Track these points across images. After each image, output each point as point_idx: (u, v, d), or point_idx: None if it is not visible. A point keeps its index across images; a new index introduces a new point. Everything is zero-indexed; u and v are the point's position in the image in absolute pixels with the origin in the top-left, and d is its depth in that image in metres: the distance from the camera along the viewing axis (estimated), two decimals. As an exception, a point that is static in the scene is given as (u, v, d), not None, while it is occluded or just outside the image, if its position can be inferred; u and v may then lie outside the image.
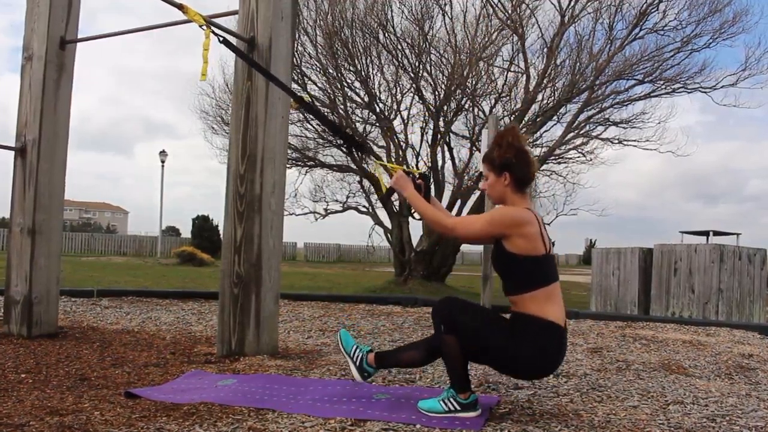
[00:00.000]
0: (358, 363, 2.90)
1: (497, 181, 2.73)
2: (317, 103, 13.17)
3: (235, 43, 4.02)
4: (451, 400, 2.68)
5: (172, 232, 45.66)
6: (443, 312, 2.70)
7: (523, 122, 12.93)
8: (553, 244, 2.79)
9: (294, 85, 11.96)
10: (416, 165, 13.80)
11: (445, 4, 13.04)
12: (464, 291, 12.68)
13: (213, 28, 3.67)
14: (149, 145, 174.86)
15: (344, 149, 13.89)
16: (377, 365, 2.90)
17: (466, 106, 13.29)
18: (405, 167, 3.04)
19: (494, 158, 2.72)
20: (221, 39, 3.63)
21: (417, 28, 12.96)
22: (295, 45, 11.12)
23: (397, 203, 14.01)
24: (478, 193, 13.19)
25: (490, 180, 2.75)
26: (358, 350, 2.93)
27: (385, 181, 3.06)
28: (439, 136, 13.48)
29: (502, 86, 13.24)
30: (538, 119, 12.97)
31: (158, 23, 4.44)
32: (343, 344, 2.97)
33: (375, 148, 14.15)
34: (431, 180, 2.99)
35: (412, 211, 3.23)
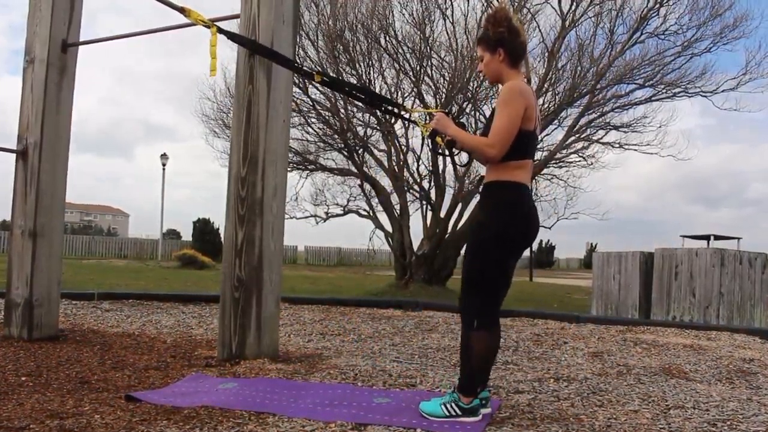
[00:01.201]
0: (459, 412, 2.69)
1: (492, 59, 2.82)
2: (318, 107, 13.19)
3: (236, 48, 4.04)
4: (453, 404, 2.69)
5: (173, 235, 45.66)
6: (466, 311, 2.74)
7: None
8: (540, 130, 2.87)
9: (295, 89, 11.99)
10: (417, 169, 13.82)
11: (447, 8, 13.07)
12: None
13: (218, 25, 3.68)
14: (149, 148, 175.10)
15: (345, 152, 13.90)
16: (475, 392, 2.73)
17: (468, 109, 13.31)
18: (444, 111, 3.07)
19: (488, 36, 2.81)
20: (229, 35, 3.65)
21: (418, 32, 12.98)
22: (297, 48, 11.14)
23: (397, 207, 14.02)
24: (478, 196, 13.19)
25: (486, 59, 2.83)
26: (447, 407, 2.71)
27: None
28: (440, 139, 13.47)
29: (504, 90, 13.24)
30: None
31: (160, 26, 4.46)
32: (435, 413, 2.71)
33: (375, 152, 14.17)
34: (466, 127, 3.05)
35: (455, 151, 3.25)
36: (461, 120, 3.21)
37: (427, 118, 3.11)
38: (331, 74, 13.14)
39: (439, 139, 3.07)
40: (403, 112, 3.76)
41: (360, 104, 13.66)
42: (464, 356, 2.73)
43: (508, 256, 2.76)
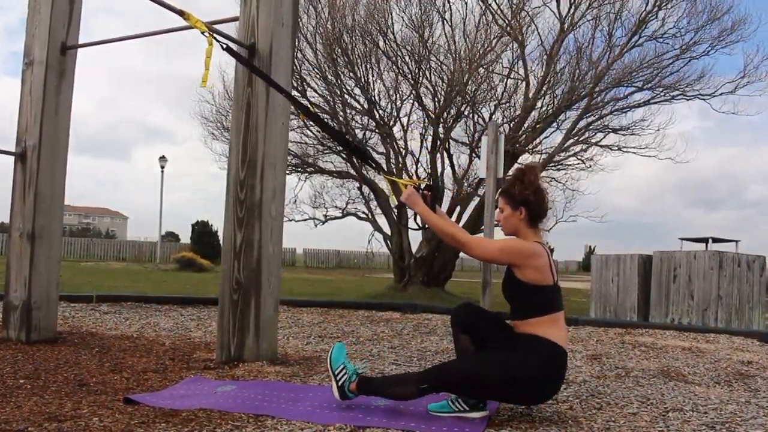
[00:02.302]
0: (340, 384, 2.83)
1: (513, 215, 2.83)
2: (317, 110, 13.20)
3: (235, 50, 4.04)
4: (459, 400, 2.76)
5: (172, 237, 45.64)
6: (462, 317, 2.84)
7: (523, 129, 12.96)
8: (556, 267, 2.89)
9: (294, 92, 12.00)
10: (415, 171, 13.83)
11: (445, 11, 13.10)
12: (464, 297, 12.67)
13: (215, 35, 3.68)
14: (147, 150, 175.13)
15: (344, 155, 13.91)
16: (359, 392, 2.82)
17: (466, 112, 13.33)
18: (412, 179, 3.09)
19: (514, 193, 2.82)
20: (224, 47, 3.64)
21: (417, 35, 13.00)
22: (296, 51, 11.15)
23: (395, 209, 14.02)
24: (477, 199, 13.21)
25: (506, 213, 2.85)
26: (344, 372, 2.84)
27: (394, 192, 3.16)
28: (438, 142, 13.51)
29: (502, 93, 13.29)
30: (537, 126, 13.00)
31: (156, 28, 4.46)
32: (331, 360, 2.88)
33: (375, 154, 14.17)
34: (439, 189, 3.09)
35: (425, 224, 3.31)
36: (436, 184, 3.25)
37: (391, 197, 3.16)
38: (330, 76, 13.15)
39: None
40: (387, 178, 3.80)
41: (358, 107, 13.69)
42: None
43: (519, 400, 2.80)
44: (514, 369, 2.65)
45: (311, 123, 13.45)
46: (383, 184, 14.30)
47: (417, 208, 2.96)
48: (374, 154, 14.18)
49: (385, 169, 4.12)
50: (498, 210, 2.93)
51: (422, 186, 3.10)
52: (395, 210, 13.92)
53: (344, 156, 13.95)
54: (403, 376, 3.02)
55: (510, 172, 3.04)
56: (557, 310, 2.76)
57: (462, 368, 2.74)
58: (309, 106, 4.13)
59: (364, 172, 14.13)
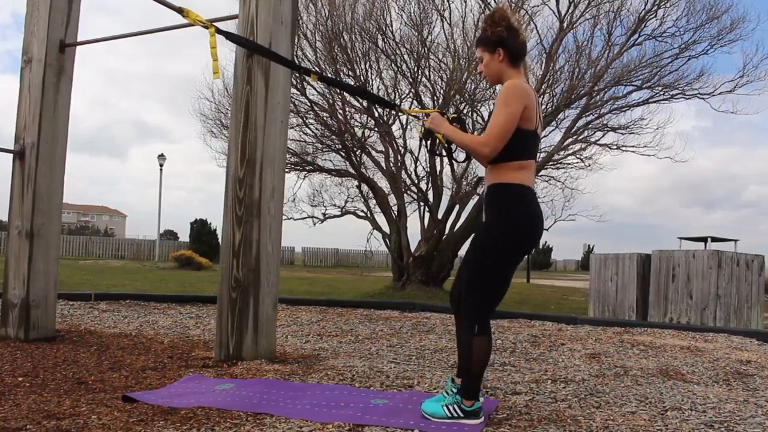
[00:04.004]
0: (461, 413, 2.67)
1: (492, 59, 2.80)
2: (316, 108, 13.19)
3: (234, 49, 4.04)
4: (455, 406, 2.68)
5: (170, 236, 45.62)
6: (471, 313, 2.71)
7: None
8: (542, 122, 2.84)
9: (293, 90, 12.00)
10: (414, 170, 13.83)
11: (444, 10, 13.09)
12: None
13: (216, 26, 3.68)
14: (142, 148, 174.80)
15: (343, 153, 13.90)
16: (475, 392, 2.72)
17: (465, 111, 13.32)
18: (439, 110, 3.05)
19: (487, 37, 2.79)
20: (227, 35, 3.64)
21: (416, 34, 12.99)
22: (295, 49, 11.14)
23: (395, 208, 14.02)
24: (476, 198, 13.21)
25: (486, 59, 2.82)
26: (450, 398, 2.71)
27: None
28: (438, 141, 13.48)
29: (501, 91, 13.26)
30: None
31: (149, 26, 4.46)
32: (437, 414, 2.70)
33: (373, 153, 14.17)
34: (465, 123, 3.04)
35: (453, 150, 3.23)
36: (461, 116, 3.18)
37: (423, 119, 3.11)
38: (329, 74, 13.15)
39: (440, 137, 3.05)
40: (399, 113, 3.76)
41: (358, 105, 13.68)
42: (467, 361, 2.70)
43: (513, 260, 2.75)
44: (498, 227, 2.67)
45: (311, 119, 13.44)
46: (383, 182, 14.30)
47: (442, 129, 2.91)
48: (373, 153, 14.18)
49: (403, 111, 4.09)
50: (479, 61, 2.88)
51: (449, 118, 3.02)
52: (393, 209, 13.92)
53: (343, 154, 13.94)
54: (460, 331, 2.85)
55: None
56: (532, 157, 2.74)
57: (469, 285, 2.71)
58: (311, 72, 4.11)
59: (363, 171, 14.12)
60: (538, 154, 13.50)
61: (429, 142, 3.18)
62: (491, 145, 2.68)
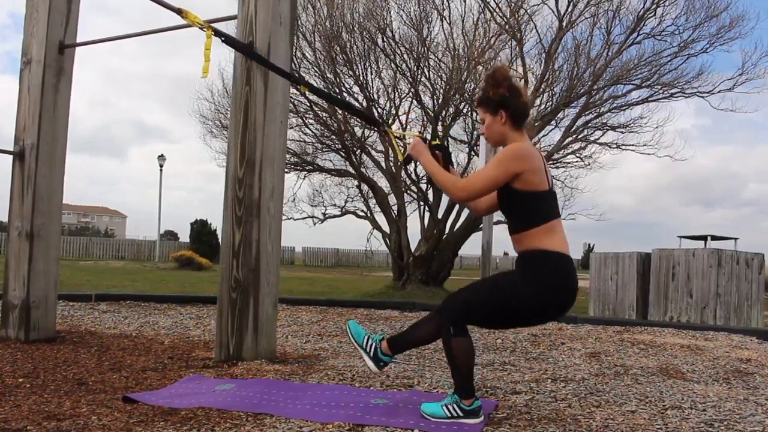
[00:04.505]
0: (372, 353, 2.84)
1: (494, 121, 2.74)
2: (315, 108, 13.19)
3: (233, 42, 4.03)
4: (454, 405, 2.67)
5: (171, 236, 45.62)
6: (448, 312, 2.70)
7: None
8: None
9: (292, 90, 11.99)
10: (414, 170, 13.83)
11: (444, 9, 13.09)
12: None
13: (214, 27, 3.68)
14: (142, 149, 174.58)
15: (342, 153, 13.90)
16: (393, 352, 2.84)
17: (465, 110, 13.33)
18: (422, 135, 3.03)
19: (489, 97, 2.73)
20: (223, 39, 3.64)
21: (415, 33, 12.99)
22: (294, 49, 11.13)
23: (395, 208, 14.02)
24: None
25: (487, 121, 2.76)
26: (370, 340, 2.86)
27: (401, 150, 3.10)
28: (436, 138, 13.48)
29: (501, 91, 13.26)
30: (536, 124, 13.00)
31: (148, 26, 4.47)
32: (354, 335, 2.89)
33: (373, 153, 14.17)
34: (449, 151, 2.99)
35: (430, 179, 3.24)
36: (445, 144, 3.14)
37: (406, 142, 3.10)
38: (329, 75, 13.15)
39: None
40: (392, 133, 3.73)
41: (358, 105, 13.68)
42: (450, 363, 2.70)
43: (524, 321, 2.76)
44: (523, 289, 2.59)
45: (310, 119, 13.44)
46: (383, 181, 14.30)
47: (422, 158, 2.87)
48: (373, 153, 14.18)
49: (389, 127, 4.07)
50: (480, 123, 2.83)
51: (433, 145, 2.98)
52: (393, 208, 13.92)
53: (343, 154, 13.94)
54: (423, 318, 2.90)
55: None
56: (554, 218, 2.67)
57: (473, 299, 2.68)
58: (302, 84, 4.10)
59: (363, 171, 14.12)
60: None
61: (404, 167, 3.17)
62: (468, 193, 2.70)
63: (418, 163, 3.12)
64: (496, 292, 2.68)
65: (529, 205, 2.64)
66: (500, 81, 2.71)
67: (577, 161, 13.78)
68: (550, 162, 13.36)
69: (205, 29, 3.62)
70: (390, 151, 13.83)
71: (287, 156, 12.06)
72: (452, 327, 2.66)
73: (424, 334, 2.83)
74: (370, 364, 2.84)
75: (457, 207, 13.55)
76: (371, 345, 2.85)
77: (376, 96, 13.60)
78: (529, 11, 12.87)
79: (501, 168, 2.62)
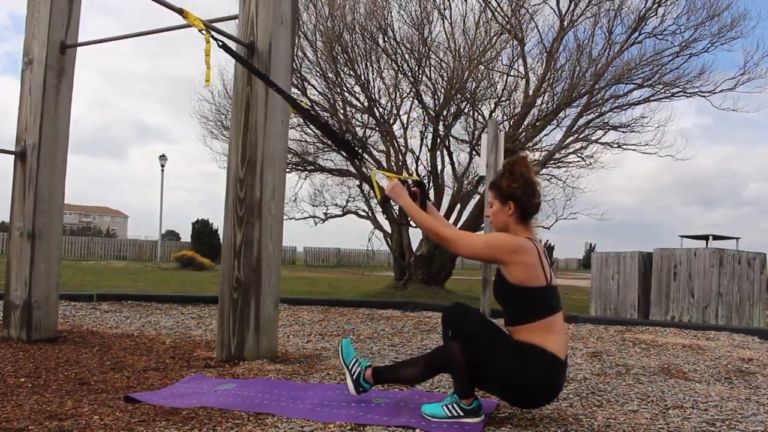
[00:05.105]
0: (355, 377, 2.92)
1: (501, 210, 2.71)
2: (317, 108, 13.19)
3: (234, 48, 4.04)
4: (455, 405, 2.68)
5: (172, 236, 45.65)
6: (452, 316, 2.71)
7: (523, 126, 12.96)
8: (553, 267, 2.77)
9: (294, 90, 11.99)
10: (416, 169, 13.83)
11: (445, 9, 13.09)
12: (464, 295, 12.68)
13: (213, 33, 3.68)
14: (142, 149, 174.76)
15: (343, 154, 13.90)
16: (375, 382, 2.93)
17: (466, 110, 13.32)
18: (401, 175, 3.04)
19: (502, 187, 2.70)
20: (220, 44, 3.64)
21: (417, 33, 12.99)
22: (295, 49, 11.14)
23: (396, 208, 14.02)
24: (477, 197, 13.21)
25: (495, 207, 2.74)
26: (357, 364, 2.94)
27: (384, 184, 3.08)
28: (438, 140, 13.51)
29: (502, 90, 13.29)
30: (537, 123, 13.00)
31: (146, 27, 4.47)
32: (343, 355, 2.97)
33: (375, 152, 14.16)
34: (427, 187, 3.00)
35: (410, 219, 3.21)
36: (422, 181, 3.14)
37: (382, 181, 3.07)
38: (330, 74, 13.14)
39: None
40: (371, 170, 3.71)
41: (359, 105, 13.69)
42: (450, 363, 2.71)
43: (502, 397, 2.75)
44: (508, 376, 2.58)
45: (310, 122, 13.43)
46: (384, 182, 14.28)
47: (401, 201, 2.88)
48: (374, 153, 14.17)
49: (381, 166, 4.07)
50: (488, 204, 2.83)
51: (410, 181, 3.02)
52: (394, 207, 13.91)
53: (343, 155, 13.94)
54: (413, 359, 3.00)
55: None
56: (552, 314, 2.59)
57: (478, 332, 2.65)
58: (307, 105, 4.10)
59: (365, 170, 14.12)
60: (540, 154, 13.44)
61: (383, 205, 3.19)
62: (449, 246, 2.73)
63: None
64: (497, 345, 2.63)
65: (521, 300, 2.60)
66: (517, 176, 2.69)
67: (578, 161, 13.77)
68: (552, 162, 13.36)
69: (203, 33, 3.61)
70: (391, 151, 13.83)
71: (288, 156, 12.07)
72: (452, 329, 2.67)
73: (411, 376, 2.90)
74: (351, 386, 2.91)
75: (458, 207, 13.56)
76: (356, 369, 2.92)
77: (377, 96, 13.61)
78: (530, 11, 12.87)
79: (487, 248, 2.66)
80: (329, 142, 13.60)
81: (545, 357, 2.55)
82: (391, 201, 3.02)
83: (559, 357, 2.58)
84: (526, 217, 2.71)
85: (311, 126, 13.50)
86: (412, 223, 3.18)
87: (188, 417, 2.64)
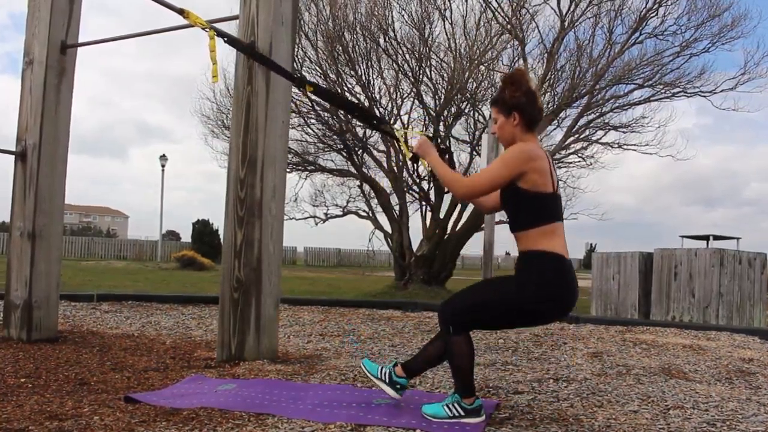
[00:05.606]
0: (388, 380, 2.87)
1: (506, 122, 2.75)
2: (317, 108, 13.20)
3: (235, 48, 4.04)
4: (455, 405, 2.68)
5: (172, 236, 45.66)
6: (447, 313, 2.71)
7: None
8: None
9: (294, 90, 11.99)
10: (416, 170, 13.83)
11: (446, 9, 13.09)
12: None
13: (216, 28, 3.68)
14: (143, 149, 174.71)
15: (344, 153, 13.90)
16: (408, 375, 2.88)
17: (466, 110, 13.33)
18: (428, 135, 3.08)
19: (505, 99, 2.74)
20: (226, 39, 3.64)
21: (417, 33, 12.99)
22: (296, 49, 11.15)
23: (397, 208, 14.02)
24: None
25: (500, 121, 2.77)
26: (384, 369, 2.91)
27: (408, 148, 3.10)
28: (439, 140, 13.51)
29: (502, 91, 13.26)
30: (537, 123, 12.98)
31: (147, 27, 4.48)
32: (369, 372, 2.92)
33: (375, 153, 14.17)
34: (452, 153, 3.03)
35: (434, 176, 3.27)
36: (448, 148, 3.17)
37: (410, 140, 3.08)
38: (331, 74, 13.15)
39: (424, 164, 3.04)
40: (396, 131, 3.72)
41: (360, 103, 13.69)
42: (450, 362, 2.72)
43: (526, 321, 2.75)
44: (521, 289, 2.59)
45: (312, 119, 13.44)
46: (385, 181, 14.30)
47: (429, 157, 2.89)
48: (375, 152, 14.17)
49: (394, 130, 4.09)
50: (492, 122, 2.85)
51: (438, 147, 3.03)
52: (395, 208, 13.92)
53: (345, 154, 13.95)
54: (432, 338, 2.93)
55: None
56: (557, 220, 2.67)
57: (473, 300, 2.68)
58: (306, 84, 4.10)
59: (365, 171, 14.12)
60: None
61: (414, 164, 3.20)
62: (466, 190, 2.72)
63: (420, 163, 3.11)
64: (494, 293, 2.69)
65: (531, 206, 2.64)
66: (517, 83, 2.72)
67: (578, 161, 13.79)
68: (552, 162, 13.34)
69: (207, 30, 3.62)
70: (392, 151, 13.83)
71: (289, 156, 12.05)
72: (452, 326, 2.67)
73: (434, 351, 2.84)
74: (389, 390, 2.85)
75: (459, 207, 13.55)
76: (385, 371, 2.88)
77: (378, 96, 13.61)
78: (530, 11, 12.87)
79: (506, 167, 2.63)
80: (331, 143, 13.60)
81: (549, 257, 2.60)
82: (419, 159, 3.02)
83: (562, 254, 2.63)
84: (531, 125, 2.74)
85: (313, 127, 13.52)
86: (417, 175, 3.15)
87: (189, 417, 2.64)
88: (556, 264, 2.60)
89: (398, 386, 2.86)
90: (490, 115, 2.77)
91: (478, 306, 2.66)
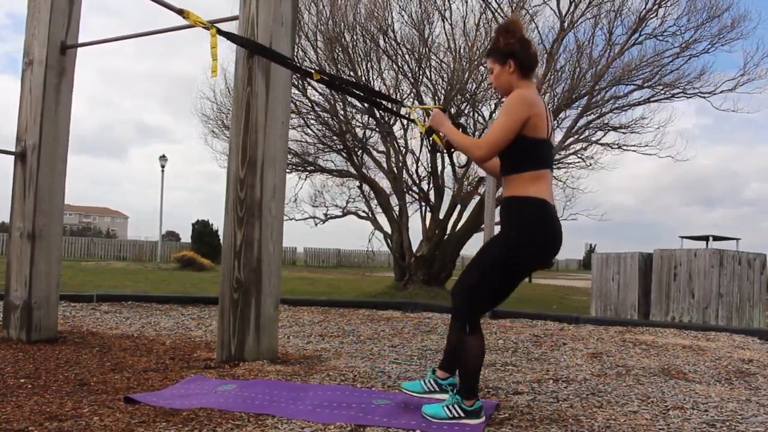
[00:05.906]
0: (438, 388, 2.86)
1: (502, 71, 2.77)
2: (317, 108, 13.20)
3: (235, 48, 4.04)
4: (456, 406, 2.67)
5: (172, 237, 45.66)
6: (458, 308, 2.72)
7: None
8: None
9: (294, 90, 12.00)
10: (416, 170, 13.83)
11: (445, 10, 13.10)
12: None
13: (217, 26, 3.69)
14: (143, 149, 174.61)
15: (344, 154, 13.91)
16: (449, 372, 2.88)
17: (466, 111, 13.33)
18: (441, 107, 3.07)
19: (500, 47, 2.76)
20: (228, 36, 3.65)
21: (417, 34, 13.00)
22: (296, 50, 11.15)
23: (396, 208, 14.02)
24: (477, 198, 13.21)
25: (496, 71, 2.79)
26: (426, 381, 2.89)
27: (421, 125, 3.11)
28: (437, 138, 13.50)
29: (502, 91, 13.28)
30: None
31: (146, 27, 4.47)
32: (414, 392, 2.89)
33: (374, 153, 14.17)
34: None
35: (452, 150, 3.27)
36: (460, 121, 3.17)
37: (425, 116, 3.11)
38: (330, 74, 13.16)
39: (437, 138, 3.06)
40: (402, 110, 3.75)
41: (359, 105, 13.69)
42: (462, 361, 2.71)
43: (522, 273, 2.75)
44: (507, 242, 2.64)
45: (312, 119, 13.44)
46: (384, 182, 14.29)
47: (443, 128, 2.91)
48: (374, 153, 14.18)
49: (406, 107, 4.10)
50: (488, 72, 2.87)
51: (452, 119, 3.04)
52: (395, 209, 13.91)
53: (344, 155, 13.95)
54: (450, 327, 2.95)
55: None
56: (547, 166, 2.70)
57: (472, 282, 2.69)
58: (313, 72, 4.11)
59: (364, 171, 14.12)
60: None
61: (430, 140, 3.21)
62: (484, 149, 2.70)
63: (432, 139, 3.12)
64: (486, 261, 2.70)
65: (524, 149, 2.66)
66: (511, 32, 2.75)
67: (578, 161, 13.79)
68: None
69: (209, 28, 3.63)
70: (391, 152, 13.84)
71: (289, 156, 12.06)
72: (467, 324, 2.67)
73: (455, 338, 2.83)
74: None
75: (458, 207, 13.56)
76: (431, 383, 2.88)
77: (377, 96, 13.60)
78: (530, 11, 12.88)
79: (511, 115, 2.65)
80: (331, 144, 13.60)
81: (533, 201, 2.64)
82: (434, 133, 3.03)
83: (545, 198, 2.67)
84: (527, 72, 2.76)
85: (313, 127, 13.52)
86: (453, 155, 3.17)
87: (188, 418, 2.64)
88: (538, 210, 2.65)
89: (451, 387, 2.84)
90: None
91: (482, 283, 2.67)
